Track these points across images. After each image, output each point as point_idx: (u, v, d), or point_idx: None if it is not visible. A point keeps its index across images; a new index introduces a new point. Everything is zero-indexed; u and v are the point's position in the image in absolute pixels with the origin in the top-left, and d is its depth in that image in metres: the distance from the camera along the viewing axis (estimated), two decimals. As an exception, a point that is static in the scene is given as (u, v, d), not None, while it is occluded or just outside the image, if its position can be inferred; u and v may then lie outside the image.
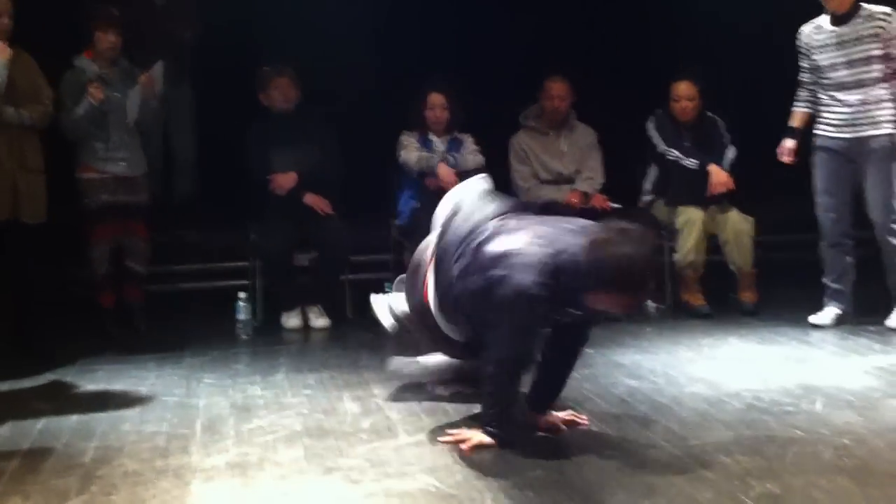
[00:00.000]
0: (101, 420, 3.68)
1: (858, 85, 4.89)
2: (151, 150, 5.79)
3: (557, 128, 6.03)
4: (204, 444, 3.35)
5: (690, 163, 5.69)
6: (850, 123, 4.93)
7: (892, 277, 4.95)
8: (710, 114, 5.87)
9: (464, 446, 3.15)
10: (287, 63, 5.74)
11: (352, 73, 6.39)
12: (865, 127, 4.90)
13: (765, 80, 6.40)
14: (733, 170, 5.70)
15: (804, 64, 5.11)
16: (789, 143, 5.17)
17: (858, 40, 4.88)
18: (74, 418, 3.71)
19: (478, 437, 3.17)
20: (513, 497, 2.74)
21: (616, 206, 5.84)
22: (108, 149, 5.21)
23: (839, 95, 4.95)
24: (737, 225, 5.61)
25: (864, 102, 4.89)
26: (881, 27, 4.83)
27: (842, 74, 4.93)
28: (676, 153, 5.74)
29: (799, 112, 5.18)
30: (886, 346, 4.60)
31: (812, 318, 5.07)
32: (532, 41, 6.83)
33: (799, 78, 5.16)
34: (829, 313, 5.07)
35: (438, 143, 5.83)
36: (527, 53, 6.70)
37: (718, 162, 5.69)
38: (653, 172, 5.98)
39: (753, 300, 5.56)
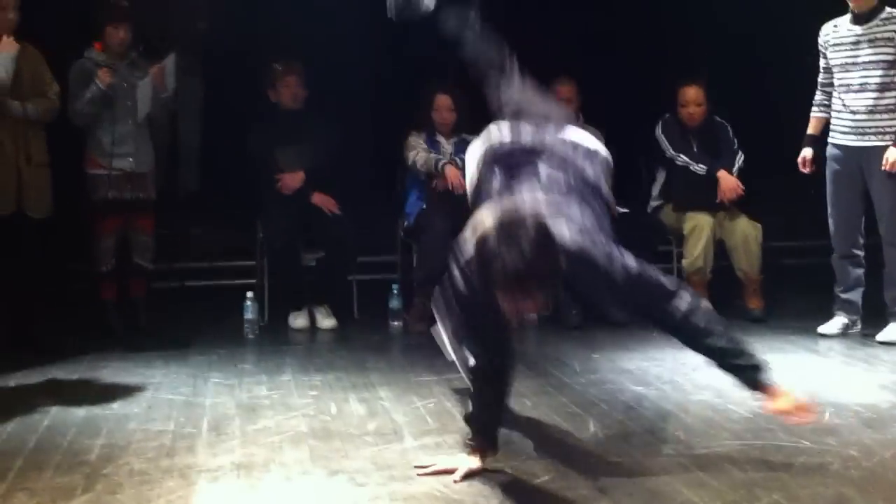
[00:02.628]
0: (107, 418, 3.68)
1: (865, 89, 4.86)
2: (159, 144, 5.79)
3: (566, 130, 6.01)
4: (210, 444, 3.35)
5: (699, 168, 5.68)
6: (857, 131, 4.90)
7: (890, 291, 4.92)
8: (718, 119, 5.87)
9: (454, 478, 2.91)
10: (296, 60, 5.74)
11: (360, 72, 6.39)
12: (871, 137, 4.86)
13: (773, 85, 6.40)
14: (741, 175, 5.69)
15: (822, 63, 5.07)
16: (807, 153, 5.12)
17: (873, 42, 4.83)
18: (80, 416, 3.71)
19: (461, 462, 2.97)
20: (518, 502, 2.73)
21: (623, 210, 5.83)
22: (115, 143, 5.19)
23: (847, 99, 4.92)
24: (745, 231, 5.61)
25: (871, 110, 4.85)
26: None
27: (851, 76, 4.89)
28: (685, 158, 5.73)
29: (815, 118, 5.14)
30: (894, 358, 4.58)
31: (820, 329, 5.06)
32: (541, 43, 6.79)
33: (818, 79, 5.12)
34: (836, 323, 5.05)
35: (446, 145, 5.82)
36: (535, 55, 6.65)
37: (727, 167, 5.68)
38: (661, 177, 5.97)
39: (760, 307, 5.55)
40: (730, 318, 5.33)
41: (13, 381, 4.31)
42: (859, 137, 4.89)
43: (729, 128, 5.88)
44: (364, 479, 2.96)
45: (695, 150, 5.76)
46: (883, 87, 4.83)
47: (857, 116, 4.88)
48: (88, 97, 5.10)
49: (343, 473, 3.02)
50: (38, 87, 4.84)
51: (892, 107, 4.83)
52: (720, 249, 5.71)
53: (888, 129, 4.81)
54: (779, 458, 3.11)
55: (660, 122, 5.86)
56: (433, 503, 2.75)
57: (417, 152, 5.74)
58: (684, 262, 5.65)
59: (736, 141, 5.84)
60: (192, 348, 4.94)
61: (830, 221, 5.09)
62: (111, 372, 4.47)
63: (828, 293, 5.16)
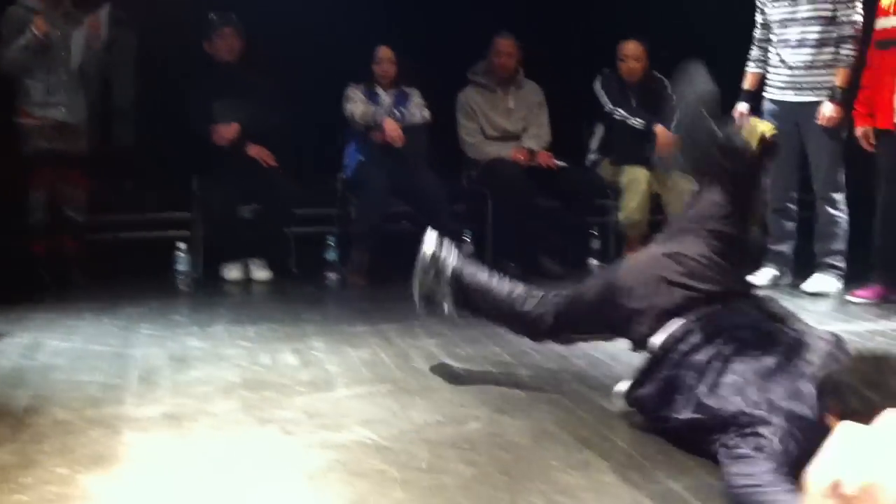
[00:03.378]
0: (33, 369, 3.61)
1: (803, 45, 4.90)
2: (91, 96, 5.66)
3: (505, 85, 6.00)
4: (139, 395, 3.30)
5: (637, 123, 5.71)
6: (794, 86, 4.95)
7: (819, 244, 5.02)
8: (657, 74, 5.89)
9: None
10: (233, 11, 5.63)
11: (300, 24, 6.28)
12: (808, 92, 4.93)
13: (714, 41, 6.41)
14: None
15: (759, 19, 5.10)
16: (742, 107, 5.17)
17: None
18: (5, 367, 3.64)
19: None
20: (449, 450, 2.74)
21: (561, 164, 5.85)
22: (48, 93, 5.08)
23: (784, 55, 4.97)
24: (680, 185, 5.65)
25: (809, 66, 4.91)
26: None
27: (789, 32, 4.93)
28: (623, 112, 5.75)
29: (750, 73, 5.19)
30: (820, 308, 4.69)
31: (749, 277, 5.13)
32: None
33: (754, 34, 5.15)
34: (767, 273, 5.14)
35: (385, 97, 5.77)
36: (476, 9, 6.63)
37: (665, 123, 5.71)
38: (599, 132, 5.99)
39: (695, 260, 5.61)
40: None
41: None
42: (796, 93, 4.95)
43: (668, 84, 5.90)
44: (295, 427, 2.94)
45: (633, 105, 5.78)
46: (821, 43, 4.88)
47: (795, 72, 4.93)
48: (23, 44, 4.97)
49: (274, 423, 3.00)
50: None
51: (829, 62, 4.88)
52: (656, 203, 5.76)
53: (824, 85, 4.88)
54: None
55: (599, 77, 5.87)
56: (364, 451, 2.74)
57: (356, 104, 5.68)
58: (621, 215, 5.70)
59: (674, 97, 5.85)
60: (124, 300, 4.85)
61: (765, 176, 5.14)
62: (39, 324, 4.37)
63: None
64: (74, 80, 5.22)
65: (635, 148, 5.72)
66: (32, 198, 5.17)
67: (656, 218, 5.75)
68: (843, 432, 0.98)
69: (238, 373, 3.57)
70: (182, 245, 5.29)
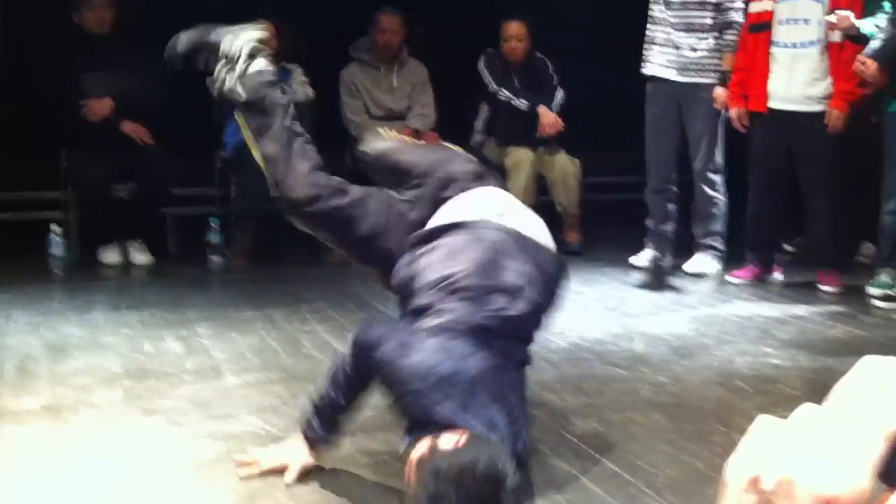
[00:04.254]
0: None
1: (690, 28, 5.02)
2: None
3: (389, 62, 5.94)
4: (14, 386, 3.16)
5: (521, 103, 5.75)
6: (679, 66, 5.06)
7: (698, 225, 5.17)
8: (539, 55, 5.93)
9: (287, 480, 2.38)
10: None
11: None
12: (692, 73, 5.05)
13: (595, 23, 6.50)
14: (562, 112, 5.79)
15: None
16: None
17: None
18: None
19: (291, 456, 2.43)
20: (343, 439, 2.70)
21: (448, 144, 5.84)
22: None
23: (672, 35, 5.07)
24: (564, 166, 5.73)
25: (693, 48, 5.03)
26: None
27: (677, 14, 5.04)
28: (507, 93, 5.78)
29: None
30: (700, 288, 4.83)
31: (632, 259, 5.26)
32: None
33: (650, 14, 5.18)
34: (647, 254, 5.26)
35: (267, 74, 5.63)
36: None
37: (548, 103, 5.77)
38: (484, 112, 6.00)
39: (578, 240, 5.72)
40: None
41: None
42: (680, 73, 5.06)
43: (549, 64, 5.96)
44: (182, 418, 2.86)
45: (516, 84, 5.82)
46: (707, 28, 5.00)
47: (682, 52, 5.04)
48: None
49: (159, 413, 2.91)
50: None
51: (713, 46, 5.01)
52: (540, 184, 5.82)
53: (709, 67, 5.00)
54: (593, 386, 3.21)
55: (482, 57, 5.88)
56: (256, 441, 2.68)
57: (236, 81, 5.54)
58: (505, 196, 5.73)
59: (556, 77, 5.92)
60: (-6, 285, 4.64)
61: (647, 156, 5.26)
62: None
63: (643, 228, 5.35)
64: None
65: (519, 128, 5.76)
66: None
67: (540, 199, 5.81)
68: (761, 426, 1.00)
69: (120, 361, 3.45)
70: (55, 227, 5.07)
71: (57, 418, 2.86)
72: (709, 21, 5.00)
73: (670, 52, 5.08)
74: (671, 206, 5.28)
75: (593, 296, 4.63)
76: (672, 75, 5.08)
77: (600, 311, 4.29)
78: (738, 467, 0.99)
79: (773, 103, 4.69)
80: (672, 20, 5.05)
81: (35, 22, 5.69)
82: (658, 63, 5.13)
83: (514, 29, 5.83)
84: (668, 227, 5.28)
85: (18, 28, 5.99)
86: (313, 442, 2.41)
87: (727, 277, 4.94)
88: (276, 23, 5.55)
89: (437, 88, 6.06)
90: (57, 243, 5.04)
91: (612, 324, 4.05)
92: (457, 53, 6.01)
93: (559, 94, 5.86)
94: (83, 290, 4.66)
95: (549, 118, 5.70)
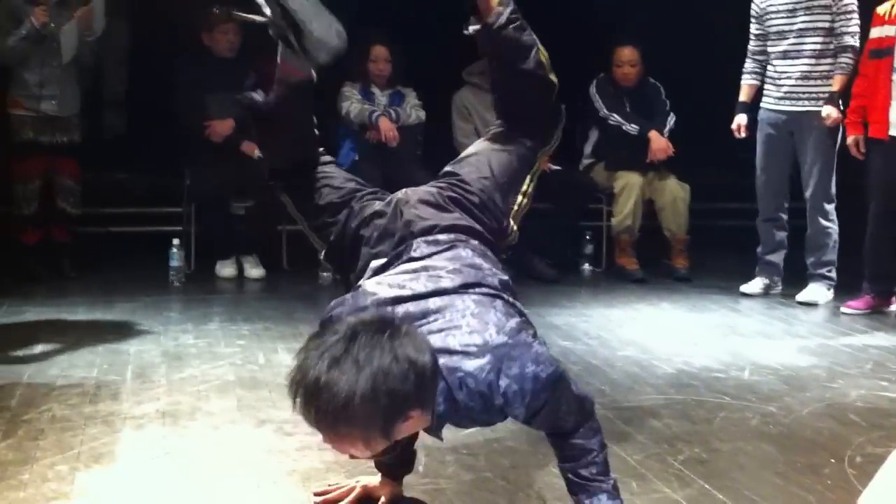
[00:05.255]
0: (28, 363, 3.60)
1: (801, 55, 4.94)
2: (85, 87, 5.64)
3: (501, 86, 5.98)
4: (134, 392, 3.30)
5: (631, 128, 5.73)
6: (791, 97, 4.98)
7: (811, 254, 5.05)
8: (651, 80, 5.91)
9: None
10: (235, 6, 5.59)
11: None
12: (805, 102, 4.95)
13: (707, 49, 6.44)
14: (672, 136, 5.75)
15: (754, 30, 5.11)
16: (741, 119, 5.18)
17: (809, 9, 4.89)
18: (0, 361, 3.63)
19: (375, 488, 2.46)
20: (448, 455, 2.74)
21: (556, 168, 5.86)
22: (41, 84, 5.06)
23: (781, 66, 5.00)
24: (674, 191, 5.68)
25: (806, 76, 4.94)
26: None
27: (788, 43, 4.96)
28: (618, 118, 5.77)
29: (747, 85, 5.20)
30: (812, 318, 4.72)
31: (743, 288, 5.17)
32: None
33: (748, 47, 5.18)
34: (758, 283, 5.17)
35: (380, 96, 5.77)
36: (472, 9, 6.61)
37: (659, 128, 5.73)
38: (593, 136, 6.00)
39: (686, 266, 5.65)
40: (657, 277, 5.55)
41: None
42: (793, 103, 4.98)
43: (662, 89, 5.93)
44: (292, 428, 2.93)
45: (627, 109, 5.80)
46: (819, 55, 4.91)
47: (792, 83, 4.96)
48: (23, 35, 4.96)
49: (271, 423, 3.00)
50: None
51: (826, 73, 4.91)
52: (649, 209, 5.79)
53: (821, 95, 4.90)
54: (700, 414, 3.18)
55: (594, 82, 5.89)
56: (361, 453, 2.74)
57: (351, 103, 5.67)
58: (613, 220, 5.72)
59: (668, 102, 5.89)
60: (117, 295, 4.84)
61: (758, 185, 5.18)
62: (33, 317, 4.37)
63: (752, 255, 5.26)
64: (68, 73, 5.20)
65: (629, 153, 5.74)
66: (24, 189, 5.15)
67: (649, 223, 5.77)
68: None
69: (233, 371, 3.57)
70: (175, 241, 5.27)
71: (174, 424, 2.98)
72: (821, 47, 4.90)
73: (781, 84, 5.00)
74: (782, 234, 5.18)
75: (701, 322, 4.58)
76: (785, 106, 5.00)
77: (709, 339, 4.24)
78: (873, 501, 0.97)
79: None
80: (780, 50, 4.98)
81: (158, 42, 5.92)
82: (771, 96, 5.05)
83: (627, 54, 5.82)
84: (779, 256, 5.18)
85: (143, 48, 6.25)
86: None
87: (841, 308, 4.82)
88: (388, 46, 5.72)
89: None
90: (176, 256, 5.24)
91: (721, 351, 4.00)
92: (568, 78, 6.01)
93: (671, 119, 5.83)
94: (201, 302, 4.83)
95: (660, 143, 5.67)
